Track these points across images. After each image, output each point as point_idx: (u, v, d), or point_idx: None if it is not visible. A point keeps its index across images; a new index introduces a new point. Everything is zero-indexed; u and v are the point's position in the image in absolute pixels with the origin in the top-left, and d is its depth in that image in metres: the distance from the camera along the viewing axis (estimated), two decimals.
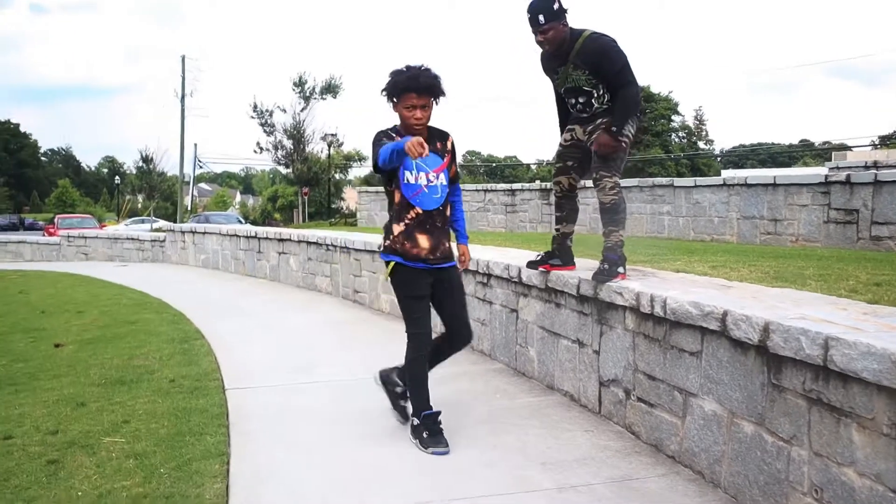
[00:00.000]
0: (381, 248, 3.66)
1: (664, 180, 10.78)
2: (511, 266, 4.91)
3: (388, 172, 3.49)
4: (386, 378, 3.86)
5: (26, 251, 17.80)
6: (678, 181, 10.49)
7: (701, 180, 10.24)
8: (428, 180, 3.49)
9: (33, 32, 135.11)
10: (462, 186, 16.98)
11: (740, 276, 4.29)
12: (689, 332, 3.11)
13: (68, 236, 17.20)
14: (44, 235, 25.16)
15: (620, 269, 3.87)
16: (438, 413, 3.47)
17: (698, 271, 4.52)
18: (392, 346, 5.28)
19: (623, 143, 3.90)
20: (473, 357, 5.36)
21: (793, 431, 2.51)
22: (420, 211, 3.50)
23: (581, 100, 3.96)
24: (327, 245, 9.05)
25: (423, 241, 3.51)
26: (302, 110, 34.65)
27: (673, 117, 53.25)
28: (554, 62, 4.00)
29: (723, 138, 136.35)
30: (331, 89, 34.75)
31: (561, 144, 4.19)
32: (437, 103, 3.53)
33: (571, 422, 3.83)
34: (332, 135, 36.99)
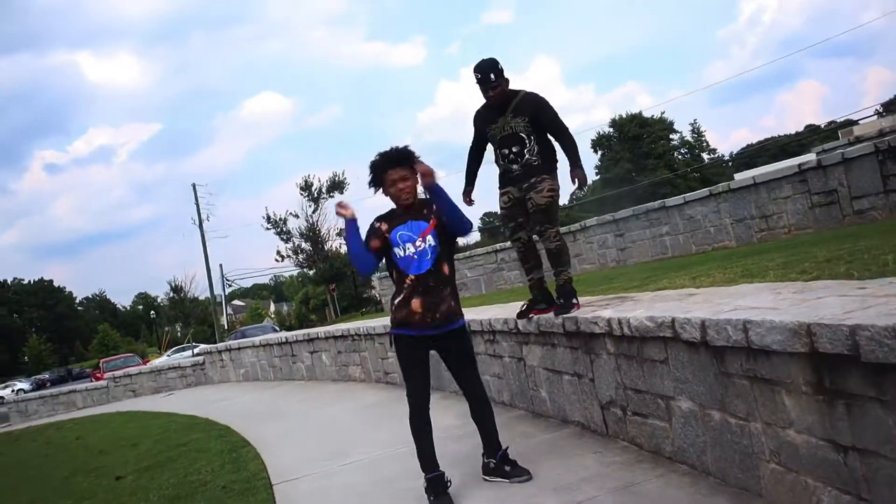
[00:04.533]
0: None
1: (655, 203, 11.18)
2: (509, 320, 5.30)
3: (386, 259, 3.83)
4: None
5: (77, 399, 18.44)
6: (669, 201, 10.88)
7: (689, 195, 10.63)
8: (416, 247, 3.69)
9: (52, 190, 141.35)
10: (475, 251, 17.36)
11: (712, 282, 4.65)
12: (654, 343, 3.48)
13: (114, 377, 17.86)
14: (91, 381, 25.93)
15: (574, 301, 4.48)
16: (441, 475, 3.68)
17: (678, 285, 4.88)
18: None
19: (559, 190, 4.51)
20: (498, 409, 5.65)
21: (746, 409, 2.85)
22: (413, 277, 3.67)
23: (514, 148, 4.47)
24: (353, 336, 9.50)
25: (417, 304, 3.66)
26: (313, 212, 35.79)
27: (671, 136, 53.65)
28: (492, 115, 4.56)
29: (728, 144, 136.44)
30: (336, 186, 35.93)
31: (503, 207, 4.67)
32: (414, 175, 3.73)
33: (582, 447, 4.15)
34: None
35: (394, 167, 3.72)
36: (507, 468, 3.80)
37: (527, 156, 4.48)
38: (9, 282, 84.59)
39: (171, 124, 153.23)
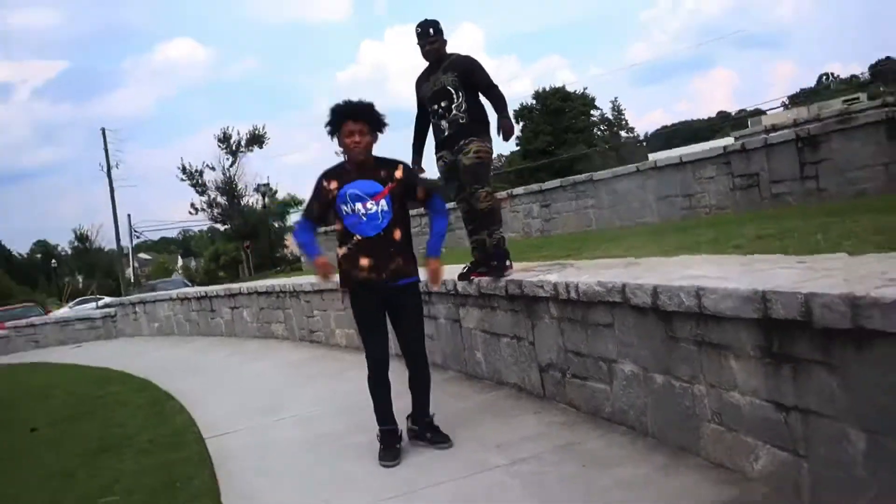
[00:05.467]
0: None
1: (583, 176, 11.44)
2: (447, 280, 5.32)
3: (330, 211, 3.80)
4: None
5: None
6: (597, 175, 11.16)
7: (618, 170, 10.94)
8: (366, 209, 3.66)
9: None
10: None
11: (648, 253, 4.82)
12: (601, 308, 3.59)
13: (15, 327, 16.97)
14: None
15: (508, 262, 4.62)
16: (395, 429, 3.76)
17: (613, 255, 5.03)
18: (349, 375, 5.69)
19: (490, 151, 4.61)
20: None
21: (691, 372, 3.00)
22: (360, 237, 3.68)
23: (443, 104, 4.54)
24: (277, 293, 9.35)
25: (364, 261, 3.67)
26: (231, 165, 34.77)
27: (592, 112, 54.71)
28: (426, 75, 4.66)
29: (643, 124, 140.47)
30: (256, 140, 34.97)
31: (441, 171, 4.75)
32: (378, 131, 3.75)
33: (521, 408, 4.27)
34: (265, 185, 37.19)
35: (354, 119, 3.67)
36: (429, 434, 3.83)
37: (454, 111, 4.54)
38: None
39: (78, 63, 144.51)
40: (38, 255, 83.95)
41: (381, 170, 3.76)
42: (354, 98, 3.80)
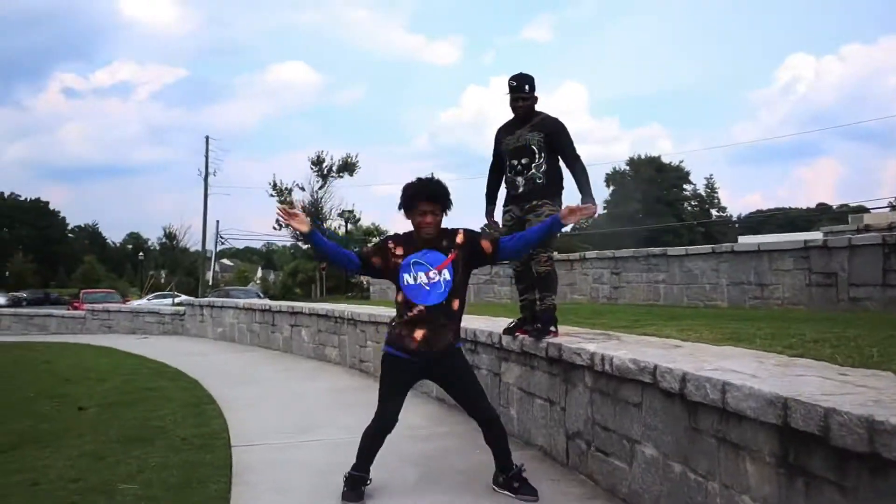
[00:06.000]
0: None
1: (657, 250, 11.27)
2: (493, 333, 5.35)
3: (380, 270, 3.84)
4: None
5: (52, 324, 18.46)
6: (671, 250, 10.97)
7: (692, 249, 10.72)
8: (429, 278, 3.69)
9: (66, 114, 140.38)
10: None
11: (699, 338, 4.71)
12: (632, 385, 3.53)
13: (92, 310, 17.88)
14: (69, 309, 25.93)
15: (552, 328, 4.54)
16: (364, 477, 3.75)
17: (664, 334, 4.94)
18: None
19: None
20: (464, 417, 5.71)
21: (708, 467, 2.91)
22: (422, 308, 3.68)
23: (524, 160, 4.56)
24: (335, 317, 9.54)
25: (419, 333, 3.69)
26: (320, 188, 35.84)
27: (685, 186, 53.85)
28: (511, 129, 4.69)
29: (738, 206, 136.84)
30: (347, 167, 35.99)
31: (506, 224, 4.74)
32: (446, 212, 3.77)
33: (541, 473, 4.19)
34: (349, 211, 38.10)
35: (426, 200, 3.71)
36: (516, 484, 3.78)
37: (533, 170, 4.55)
38: (5, 195, 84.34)
39: (196, 73, 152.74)
40: (130, 247, 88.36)
41: (443, 239, 3.78)
42: (426, 176, 3.86)
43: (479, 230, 4.07)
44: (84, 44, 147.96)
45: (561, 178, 4.66)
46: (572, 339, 4.52)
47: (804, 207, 66.00)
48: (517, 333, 4.90)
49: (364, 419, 5.62)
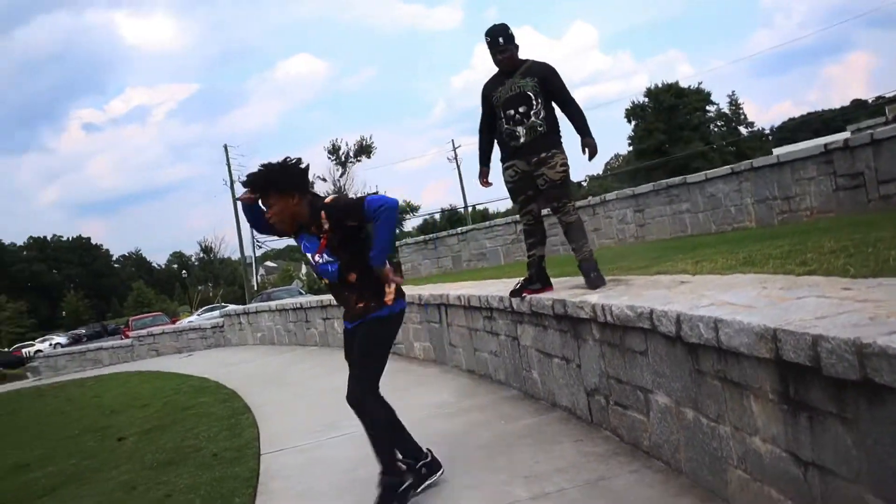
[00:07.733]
0: None
1: (676, 179, 10.90)
2: (505, 298, 5.19)
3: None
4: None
5: (104, 357, 18.88)
6: (690, 177, 10.60)
7: (711, 172, 10.34)
8: (315, 261, 3.60)
9: (89, 150, 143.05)
10: (496, 221, 17.25)
11: (714, 268, 4.48)
12: (635, 333, 3.36)
13: (138, 337, 18.23)
14: (121, 338, 26.55)
15: (592, 274, 4.33)
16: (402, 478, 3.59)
17: (678, 269, 4.72)
18: (418, 390, 5.70)
19: (567, 167, 4.43)
20: (492, 387, 5.67)
21: (717, 411, 2.73)
22: (326, 282, 3.70)
23: (521, 109, 4.35)
24: None
25: (340, 304, 3.75)
26: (341, 175, 35.83)
27: (707, 108, 52.39)
28: (502, 78, 4.48)
29: (769, 117, 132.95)
30: (364, 150, 35.88)
31: (509, 181, 4.53)
32: (293, 191, 3.44)
33: (565, 434, 4.07)
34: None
35: (254, 191, 3.54)
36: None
37: (532, 118, 4.35)
38: (48, 239, 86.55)
39: (207, 84, 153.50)
40: (175, 266, 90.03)
41: (312, 224, 3.51)
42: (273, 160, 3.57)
43: (347, 195, 3.89)
44: (93, 77, 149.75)
45: (558, 124, 4.48)
46: (576, 291, 4.34)
47: (838, 107, 63.78)
48: (524, 294, 4.73)
49: (393, 403, 5.58)
